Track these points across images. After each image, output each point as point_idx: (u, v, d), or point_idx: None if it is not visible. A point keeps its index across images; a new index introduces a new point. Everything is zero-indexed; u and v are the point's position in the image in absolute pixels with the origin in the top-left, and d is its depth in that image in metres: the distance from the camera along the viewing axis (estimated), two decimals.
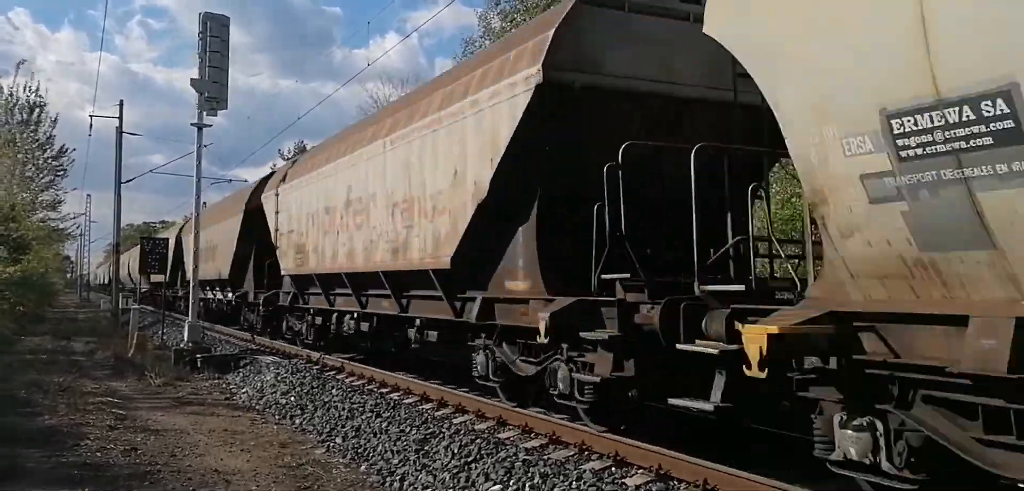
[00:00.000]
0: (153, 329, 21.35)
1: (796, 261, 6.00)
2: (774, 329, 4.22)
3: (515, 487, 5.75)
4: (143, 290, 36.71)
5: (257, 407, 10.41)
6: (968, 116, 3.51)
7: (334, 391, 10.38)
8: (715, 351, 5.16)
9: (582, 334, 6.62)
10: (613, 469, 5.92)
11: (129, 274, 42.15)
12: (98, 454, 7.30)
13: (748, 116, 5.87)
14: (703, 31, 5.01)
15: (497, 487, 5.82)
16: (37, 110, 30.43)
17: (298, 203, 14.54)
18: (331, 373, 12.07)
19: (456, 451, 6.75)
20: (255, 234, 17.88)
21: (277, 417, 9.64)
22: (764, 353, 4.19)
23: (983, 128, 3.48)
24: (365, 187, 11.04)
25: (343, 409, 9.19)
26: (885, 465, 4.31)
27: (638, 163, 6.34)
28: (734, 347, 4.81)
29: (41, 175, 33.17)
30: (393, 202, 10.02)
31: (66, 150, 34.15)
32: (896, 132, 3.81)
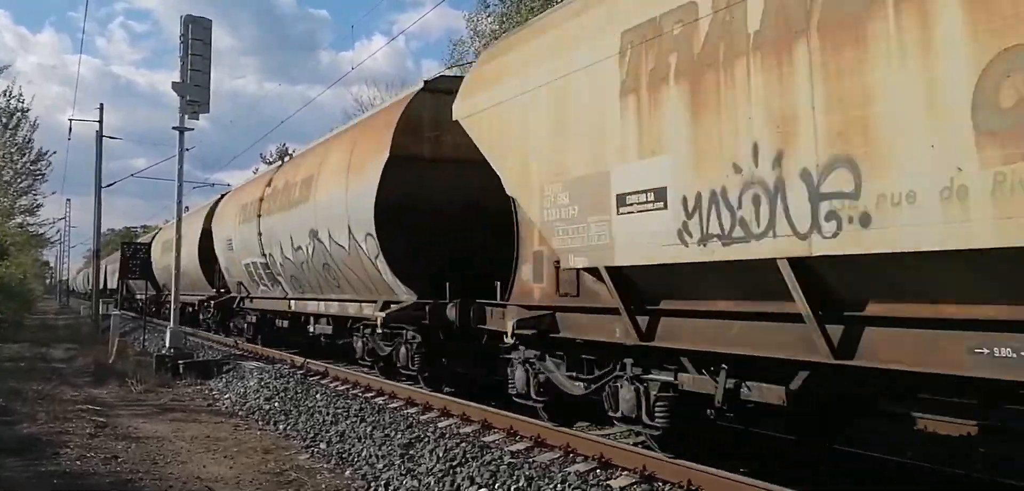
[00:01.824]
0: (134, 335, 21.13)
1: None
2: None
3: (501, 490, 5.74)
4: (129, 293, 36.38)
5: (240, 413, 10.33)
6: None
7: (318, 396, 10.33)
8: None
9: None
10: (598, 471, 5.94)
11: (106, 281, 41.66)
12: (78, 463, 7.20)
13: None
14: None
15: None
16: (17, 115, 30.02)
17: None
18: (315, 378, 12.01)
19: (441, 455, 6.73)
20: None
21: (260, 423, 9.57)
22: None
23: None
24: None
25: (327, 414, 9.14)
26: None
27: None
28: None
29: (19, 180, 32.74)
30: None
31: (45, 154, 33.73)
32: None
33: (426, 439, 7.35)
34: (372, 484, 6.49)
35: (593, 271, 6.10)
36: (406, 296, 9.72)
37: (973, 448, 6.86)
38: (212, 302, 21.27)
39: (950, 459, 6.42)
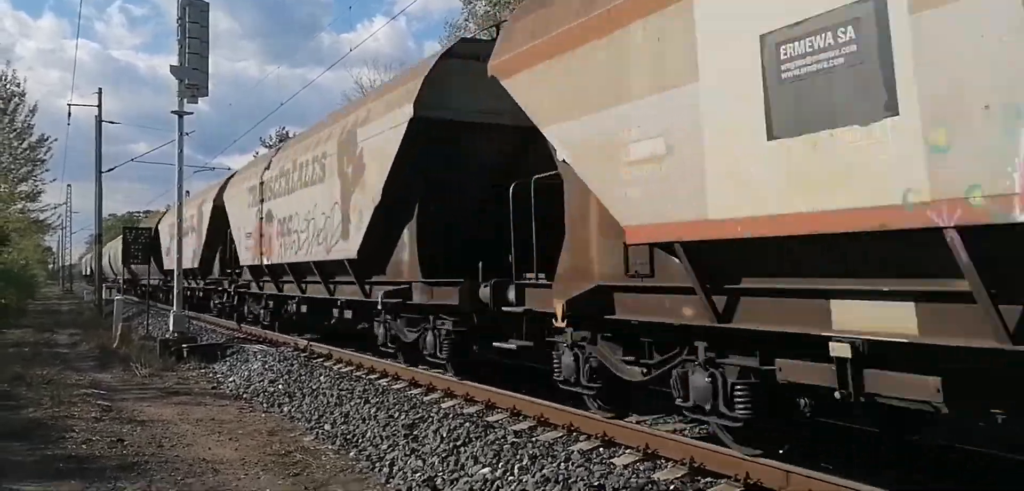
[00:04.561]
0: (138, 319, 21.19)
1: None
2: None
3: (504, 469, 5.77)
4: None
5: (244, 396, 10.37)
6: None
7: (322, 378, 10.36)
8: (520, 310, 7.55)
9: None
10: (601, 449, 5.96)
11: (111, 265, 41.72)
12: (84, 446, 7.24)
13: None
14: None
15: (486, 470, 5.83)
16: (15, 100, 29.98)
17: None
18: (319, 360, 12.05)
19: (445, 435, 6.76)
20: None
21: (265, 405, 9.62)
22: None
23: None
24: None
25: (331, 396, 9.18)
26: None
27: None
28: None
29: (19, 166, 32.73)
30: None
31: (45, 139, 33.72)
32: None
33: (430, 419, 7.38)
34: (377, 464, 6.53)
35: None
36: None
37: None
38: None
39: None
